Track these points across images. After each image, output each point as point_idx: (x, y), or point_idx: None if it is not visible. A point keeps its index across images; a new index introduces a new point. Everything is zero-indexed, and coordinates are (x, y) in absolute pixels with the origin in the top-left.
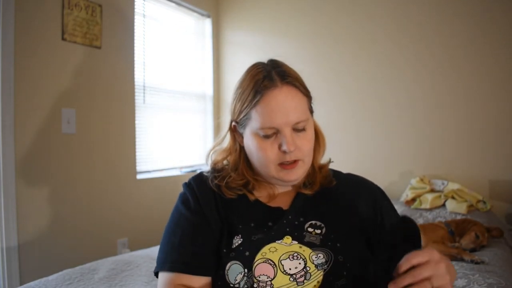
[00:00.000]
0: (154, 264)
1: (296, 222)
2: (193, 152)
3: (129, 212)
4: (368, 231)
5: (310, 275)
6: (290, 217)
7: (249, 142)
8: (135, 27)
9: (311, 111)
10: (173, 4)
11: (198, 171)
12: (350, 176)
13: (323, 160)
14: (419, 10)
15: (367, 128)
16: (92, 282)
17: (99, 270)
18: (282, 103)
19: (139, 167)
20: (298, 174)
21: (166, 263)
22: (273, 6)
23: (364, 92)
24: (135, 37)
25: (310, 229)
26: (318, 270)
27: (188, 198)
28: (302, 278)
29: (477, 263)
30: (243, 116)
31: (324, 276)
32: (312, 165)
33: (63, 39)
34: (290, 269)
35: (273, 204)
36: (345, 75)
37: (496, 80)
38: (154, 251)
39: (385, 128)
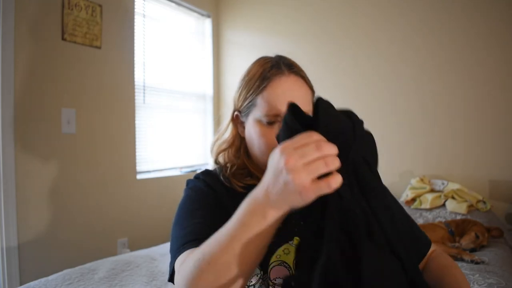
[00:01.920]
0: (154, 264)
1: (302, 222)
2: (193, 152)
3: (129, 212)
4: None
5: None
6: (296, 216)
7: (251, 130)
8: (135, 27)
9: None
10: (173, 4)
11: (199, 171)
12: None
13: None
14: (419, 10)
15: (366, 127)
16: (92, 282)
17: (99, 270)
18: (288, 90)
19: (139, 167)
20: None
21: (192, 241)
22: (273, 6)
23: (364, 92)
24: (135, 37)
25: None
26: None
27: (200, 187)
28: None
29: (477, 263)
30: (248, 103)
31: None
32: None
33: (63, 39)
34: None
35: None
36: (344, 74)
37: (496, 80)
38: (154, 251)
39: (385, 128)
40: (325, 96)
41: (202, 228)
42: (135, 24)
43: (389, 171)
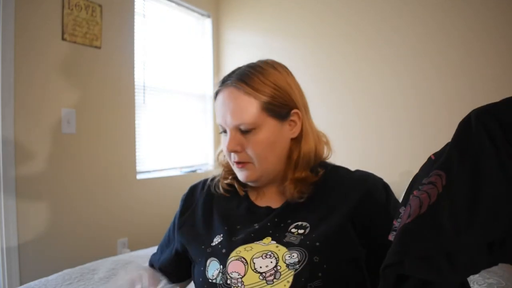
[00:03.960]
0: None
1: (282, 224)
2: (193, 152)
3: (129, 212)
4: (360, 229)
5: (280, 274)
6: (276, 219)
7: None
8: (135, 27)
9: (279, 116)
10: (173, 4)
11: (198, 171)
12: (350, 174)
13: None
14: (418, 12)
15: (366, 128)
16: (92, 282)
17: (99, 270)
18: (222, 104)
19: (139, 167)
20: (248, 176)
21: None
22: (273, 6)
23: (364, 92)
24: (135, 37)
25: (293, 230)
26: (288, 270)
27: (180, 206)
28: (272, 277)
29: None
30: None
31: (295, 276)
32: (288, 174)
33: (63, 39)
34: (260, 267)
35: (262, 202)
36: (345, 74)
37: (495, 79)
38: (154, 251)
39: (384, 128)
40: (326, 95)
41: (158, 254)
42: (135, 24)
43: (389, 171)
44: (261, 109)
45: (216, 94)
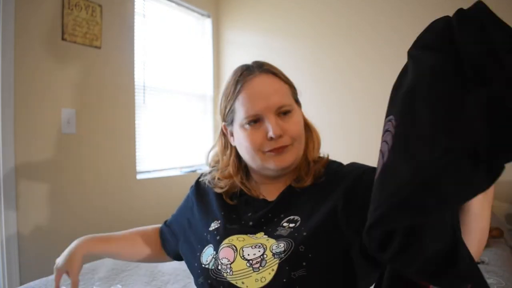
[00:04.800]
0: (153, 264)
1: (276, 219)
2: (193, 152)
3: (129, 212)
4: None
5: (266, 262)
6: (270, 215)
7: (239, 136)
8: (135, 27)
9: (298, 103)
10: (173, 4)
11: (198, 171)
12: (341, 167)
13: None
14: (418, 12)
15: (366, 128)
16: (92, 282)
17: (99, 270)
18: (261, 88)
19: (139, 167)
20: (288, 159)
21: (166, 222)
22: (273, 6)
23: (364, 92)
24: (135, 37)
25: (285, 224)
26: (274, 259)
27: (189, 193)
28: (258, 265)
29: (477, 263)
30: (228, 111)
31: (279, 264)
32: (307, 158)
33: (63, 39)
34: (248, 255)
35: (259, 196)
36: (345, 74)
37: None
38: None
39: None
40: (326, 95)
41: (172, 220)
42: (135, 24)
43: None
44: (291, 94)
45: (242, 82)
